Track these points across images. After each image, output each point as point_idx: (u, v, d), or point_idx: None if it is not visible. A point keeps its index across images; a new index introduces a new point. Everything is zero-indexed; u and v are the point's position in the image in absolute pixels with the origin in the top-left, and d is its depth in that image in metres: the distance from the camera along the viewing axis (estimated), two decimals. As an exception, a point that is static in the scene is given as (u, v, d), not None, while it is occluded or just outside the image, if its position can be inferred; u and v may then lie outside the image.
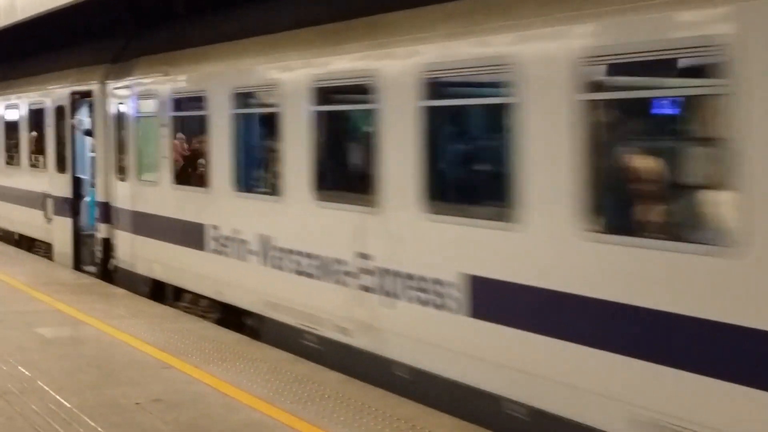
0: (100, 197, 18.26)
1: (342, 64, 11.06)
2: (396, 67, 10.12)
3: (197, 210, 14.40)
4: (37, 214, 21.43)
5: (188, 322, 13.86)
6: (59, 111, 20.29)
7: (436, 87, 9.61)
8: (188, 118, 15.23)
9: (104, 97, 18.03)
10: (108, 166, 17.89)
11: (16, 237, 23.47)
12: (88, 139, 19.57)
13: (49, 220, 20.74)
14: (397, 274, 10.08)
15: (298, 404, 9.60)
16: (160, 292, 15.80)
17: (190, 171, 15.07)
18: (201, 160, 14.55)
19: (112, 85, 17.72)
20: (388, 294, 10.22)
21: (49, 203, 20.69)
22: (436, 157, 9.69)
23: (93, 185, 19.03)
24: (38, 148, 21.82)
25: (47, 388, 10.14)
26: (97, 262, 18.42)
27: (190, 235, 14.50)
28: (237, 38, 13.70)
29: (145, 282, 16.28)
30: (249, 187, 13.18)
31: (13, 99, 23.75)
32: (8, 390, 10.07)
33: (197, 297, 14.67)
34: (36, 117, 21.99)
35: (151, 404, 9.57)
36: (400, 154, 9.99)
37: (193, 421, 9.11)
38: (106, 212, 17.96)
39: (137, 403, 9.60)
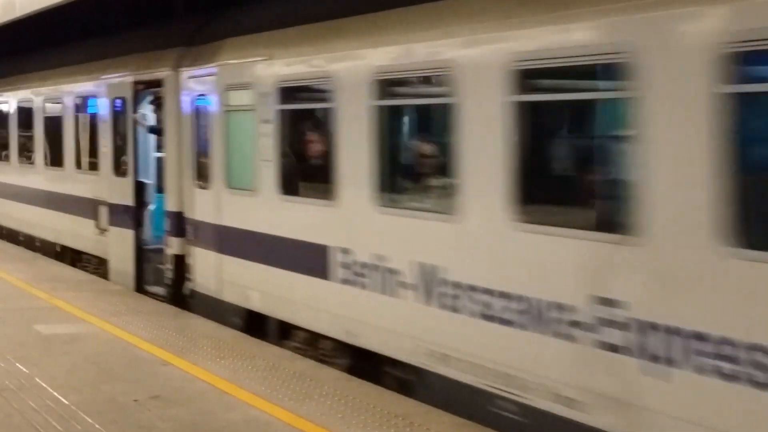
0: (171, 206, 15.15)
1: (567, 36, 8.04)
2: (672, 40, 7.08)
3: (318, 228, 11.36)
4: (85, 224, 18.33)
5: (186, 319, 13.77)
6: (117, 104, 17.12)
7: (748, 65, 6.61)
8: (303, 113, 12.21)
9: (178, 87, 14.92)
10: (182, 169, 14.80)
11: (58, 249, 20.35)
12: (152, 137, 16.60)
13: (102, 231, 17.66)
14: (674, 332, 7.06)
15: (297, 401, 9.60)
16: (258, 325, 12.80)
17: (304, 178, 12.09)
18: (319, 164, 11.55)
19: (188, 72, 14.66)
20: (655, 359, 7.21)
21: (103, 211, 17.58)
22: (747, 165, 6.69)
23: (159, 191, 16.10)
24: (87, 147, 18.68)
25: (45, 385, 10.18)
26: (166, 283, 15.33)
27: (307, 258, 11.51)
28: (378, 9, 10.71)
29: (236, 312, 13.29)
30: (400, 201, 10.18)
31: (54, 91, 20.49)
32: (6, 387, 10.12)
33: (315, 336, 11.68)
34: (85, 111, 18.82)
35: (150, 401, 9.62)
36: (682, 160, 6.99)
37: (192, 418, 9.14)
38: (179, 224, 14.83)
39: (135, 400, 9.64)
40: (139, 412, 9.29)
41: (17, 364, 11.05)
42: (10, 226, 23.34)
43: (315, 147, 11.72)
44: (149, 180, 16.66)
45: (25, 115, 22.12)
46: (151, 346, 11.94)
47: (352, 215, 10.70)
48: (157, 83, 15.56)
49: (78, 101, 19.05)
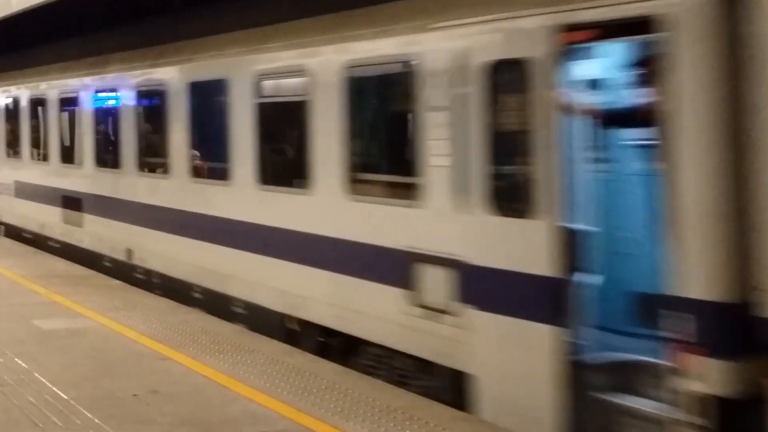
0: (703, 287, 7.16)
1: None
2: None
3: None
4: (376, 293, 10.70)
5: (185, 314, 13.84)
6: (496, 74, 9.17)
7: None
8: None
9: (722, 27, 7.14)
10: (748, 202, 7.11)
11: (295, 326, 12.36)
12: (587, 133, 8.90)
13: (432, 312, 9.87)
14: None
15: (296, 395, 9.70)
16: None
17: None
18: None
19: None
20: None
21: (439, 277, 9.77)
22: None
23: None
24: (387, 154, 11.30)
25: (44, 380, 10.28)
26: None
27: None
28: None
29: None
30: None
31: (290, 57, 12.43)
32: (5, 382, 10.23)
33: None
34: (384, 92, 11.38)
35: (149, 396, 9.72)
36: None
37: (191, 412, 9.22)
38: (732, 328, 7.10)
39: (134, 395, 9.74)
40: (138, 407, 9.37)
41: (16, 360, 11.14)
42: (165, 271, 15.73)
43: None
44: (586, 225, 8.68)
45: (200, 100, 14.74)
46: (149, 341, 12.01)
47: None
48: (638, 25, 7.70)
49: (367, 76, 11.21)
